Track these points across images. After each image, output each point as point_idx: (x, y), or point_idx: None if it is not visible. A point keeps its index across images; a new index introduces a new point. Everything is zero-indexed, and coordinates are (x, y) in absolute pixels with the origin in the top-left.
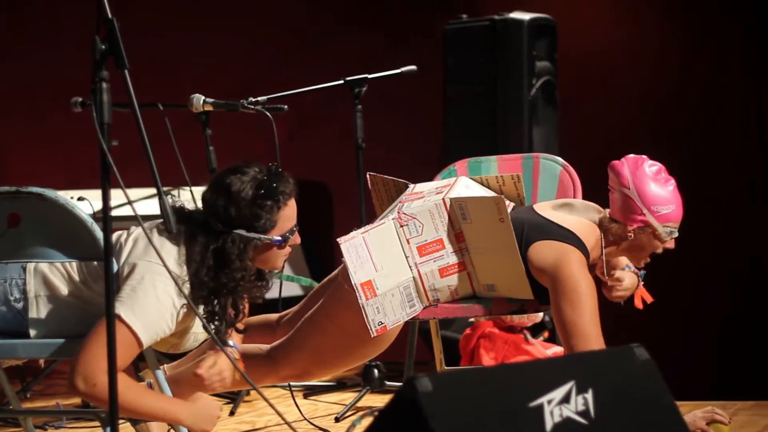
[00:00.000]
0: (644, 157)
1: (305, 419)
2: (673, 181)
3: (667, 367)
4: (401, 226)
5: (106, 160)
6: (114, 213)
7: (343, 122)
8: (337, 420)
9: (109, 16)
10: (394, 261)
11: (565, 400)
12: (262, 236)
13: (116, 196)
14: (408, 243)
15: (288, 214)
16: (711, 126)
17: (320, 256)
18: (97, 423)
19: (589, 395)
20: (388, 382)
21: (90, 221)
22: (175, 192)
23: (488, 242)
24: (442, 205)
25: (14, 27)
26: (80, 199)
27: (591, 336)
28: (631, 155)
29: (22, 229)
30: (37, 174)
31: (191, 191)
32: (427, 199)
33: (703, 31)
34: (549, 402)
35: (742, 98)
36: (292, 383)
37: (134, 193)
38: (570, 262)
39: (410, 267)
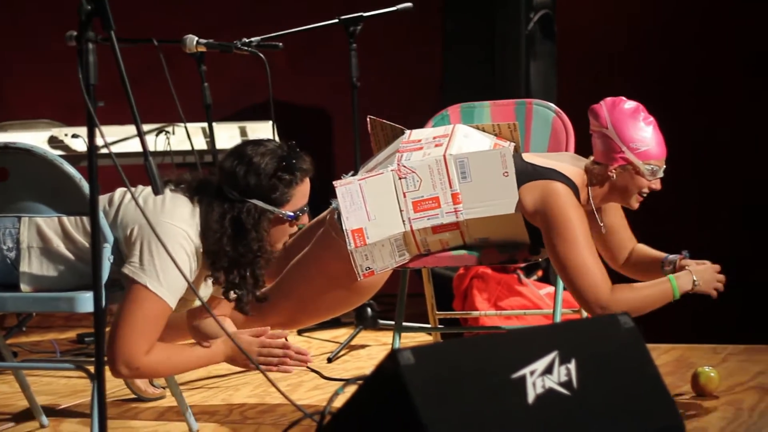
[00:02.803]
0: (622, 98)
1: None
2: (652, 120)
3: (662, 311)
4: (400, 179)
5: (93, 121)
6: (105, 151)
7: (343, 48)
8: (329, 361)
9: None
10: (388, 212)
11: (548, 371)
12: (276, 209)
13: (109, 132)
14: (404, 197)
15: (303, 190)
16: (715, 51)
17: (318, 187)
18: None
19: (572, 365)
20: (381, 321)
21: (78, 177)
22: (169, 128)
23: (488, 197)
24: (442, 161)
25: None
26: (74, 136)
27: (586, 266)
28: (609, 98)
29: (11, 184)
30: (35, 103)
31: (185, 127)
32: (426, 152)
33: None
34: (531, 373)
35: (754, 25)
36: None
37: (131, 129)
38: (557, 195)
39: (403, 222)
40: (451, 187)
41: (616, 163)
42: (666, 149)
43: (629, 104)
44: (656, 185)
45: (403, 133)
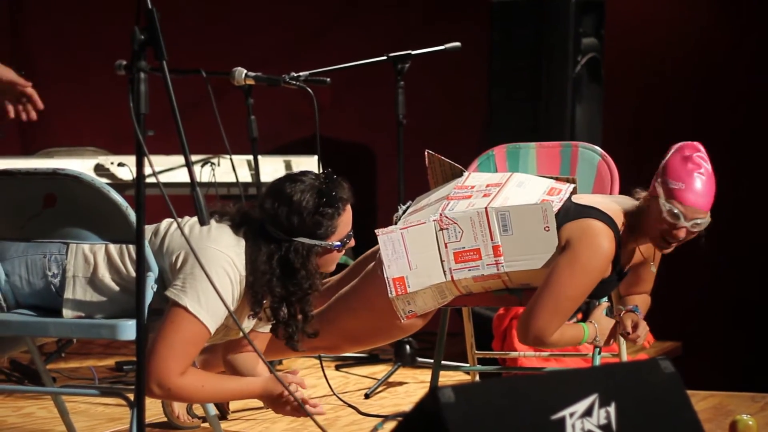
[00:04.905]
0: (696, 143)
1: (334, 394)
2: (704, 169)
3: (701, 358)
4: (441, 229)
5: (142, 150)
6: (151, 180)
7: (389, 85)
8: (366, 396)
9: (149, 5)
10: (429, 262)
11: (588, 413)
12: (322, 243)
13: (157, 162)
14: (446, 247)
15: (346, 219)
16: (758, 104)
17: (361, 225)
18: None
19: (612, 408)
20: (419, 359)
21: (125, 205)
22: (215, 160)
23: (529, 251)
24: (483, 214)
25: None
26: (120, 164)
27: (559, 308)
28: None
29: (58, 210)
30: (79, 131)
31: (231, 159)
32: (471, 202)
33: (753, 6)
34: (571, 415)
35: None
36: (323, 355)
37: (177, 159)
38: (593, 235)
39: (444, 272)
40: (492, 240)
41: (650, 191)
42: (705, 204)
43: (697, 150)
44: (678, 232)
45: (461, 174)
